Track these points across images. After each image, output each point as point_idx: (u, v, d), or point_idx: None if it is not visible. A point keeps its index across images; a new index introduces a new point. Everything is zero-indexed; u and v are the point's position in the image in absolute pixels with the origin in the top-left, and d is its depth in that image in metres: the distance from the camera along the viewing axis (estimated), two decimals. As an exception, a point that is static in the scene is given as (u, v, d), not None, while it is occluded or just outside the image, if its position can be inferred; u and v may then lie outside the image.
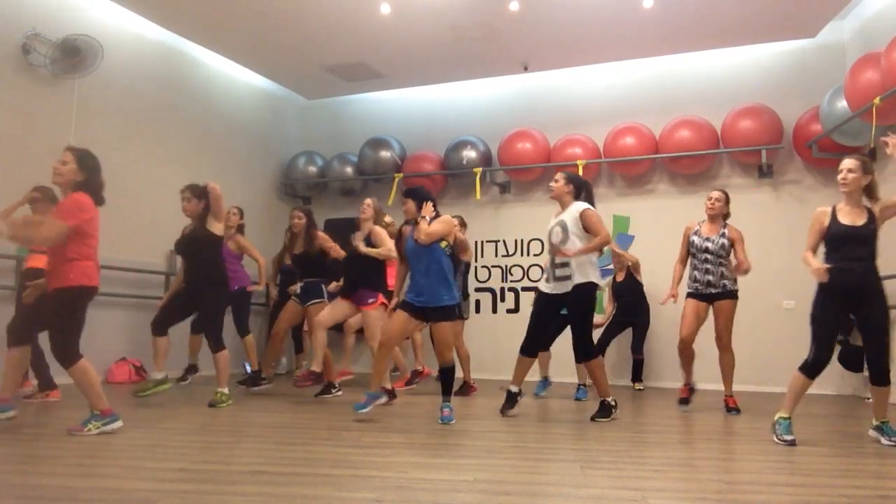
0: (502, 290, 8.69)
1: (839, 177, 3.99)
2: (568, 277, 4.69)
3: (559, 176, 4.96)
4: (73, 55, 6.32)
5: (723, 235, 5.32)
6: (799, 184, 7.65)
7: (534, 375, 6.17)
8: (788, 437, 3.83)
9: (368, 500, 2.48)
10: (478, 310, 8.65)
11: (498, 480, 2.91)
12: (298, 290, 6.07)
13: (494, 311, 8.69)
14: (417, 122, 9.37)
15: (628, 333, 7.40)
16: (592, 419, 4.71)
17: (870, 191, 3.98)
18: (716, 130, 7.74)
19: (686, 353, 5.35)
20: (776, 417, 3.97)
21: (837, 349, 4.17)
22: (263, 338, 8.42)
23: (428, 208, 4.62)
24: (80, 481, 2.72)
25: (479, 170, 8.48)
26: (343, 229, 6.84)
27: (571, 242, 4.70)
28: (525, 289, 8.44)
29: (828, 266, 3.85)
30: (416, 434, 4.06)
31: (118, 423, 3.86)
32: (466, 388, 6.39)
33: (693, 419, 4.97)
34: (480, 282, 8.72)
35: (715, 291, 5.26)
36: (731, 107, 7.69)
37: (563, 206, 4.93)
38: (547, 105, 8.75)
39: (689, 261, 5.43)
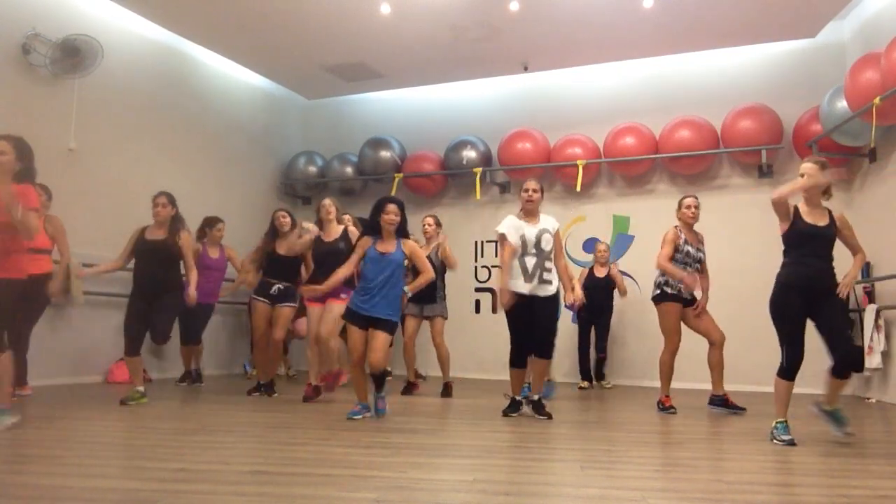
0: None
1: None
2: (551, 283, 4.81)
3: (536, 185, 4.89)
4: (73, 55, 6.33)
5: (701, 242, 5.44)
6: (799, 184, 7.63)
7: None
8: (786, 437, 3.83)
9: (368, 500, 2.48)
10: (478, 310, 8.65)
11: (498, 480, 2.91)
12: (275, 292, 5.90)
13: (494, 310, 8.68)
14: (417, 122, 9.36)
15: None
16: (539, 415, 4.73)
17: (826, 189, 4.07)
18: (716, 130, 7.73)
19: (672, 363, 5.31)
20: (773, 424, 3.97)
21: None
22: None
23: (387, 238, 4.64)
24: (80, 481, 2.72)
25: (478, 170, 8.48)
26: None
27: (552, 252, 4.83)
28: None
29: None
30: (416, 434, 4.06)
31: (11, 419, 3.84)
32: (447, 390, 6.17)
33: (692, 419, 4.97)
34: (480, 282, 8.72)
35: (690, 297, 5.33)
36: (731, 107, 7.68)
37: (534, 216, 4.88)
38: (547, 105, 8.74)
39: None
